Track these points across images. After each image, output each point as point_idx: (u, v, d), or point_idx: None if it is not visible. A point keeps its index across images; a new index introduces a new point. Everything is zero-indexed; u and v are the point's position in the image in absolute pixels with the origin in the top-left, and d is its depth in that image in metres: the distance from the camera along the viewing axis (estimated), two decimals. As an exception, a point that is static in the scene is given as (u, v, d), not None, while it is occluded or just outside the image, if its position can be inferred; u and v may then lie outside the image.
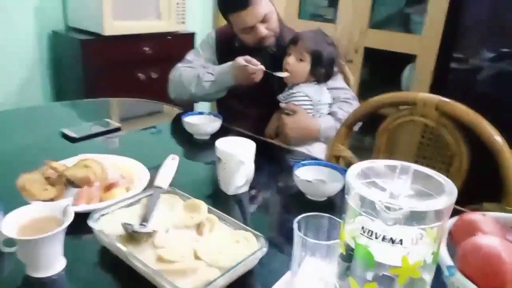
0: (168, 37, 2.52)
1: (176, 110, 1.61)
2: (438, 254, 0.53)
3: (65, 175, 0.88)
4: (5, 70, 2.33)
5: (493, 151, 1.03)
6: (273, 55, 1.48)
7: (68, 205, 0.69)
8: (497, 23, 1.77)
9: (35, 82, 2.48)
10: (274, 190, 1.07)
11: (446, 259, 0.58)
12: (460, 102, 1.13)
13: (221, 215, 0.78)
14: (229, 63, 1.43)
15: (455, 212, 0.54)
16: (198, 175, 1.13)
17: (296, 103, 1.41)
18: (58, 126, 1.29)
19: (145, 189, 0.89)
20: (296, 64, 1.39)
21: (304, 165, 0.99)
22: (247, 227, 0.73)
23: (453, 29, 1.90)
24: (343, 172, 0.95)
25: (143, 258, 0.66)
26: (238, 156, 0.92)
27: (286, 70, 1.40)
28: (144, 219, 0.76)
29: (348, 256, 0.54)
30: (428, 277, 0.51)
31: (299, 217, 0.64)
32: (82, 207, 0.80)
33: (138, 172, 0.97)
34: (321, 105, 1.43)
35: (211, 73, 1.47)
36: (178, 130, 1.36)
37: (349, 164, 1.29)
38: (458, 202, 0.50)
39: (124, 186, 0.90)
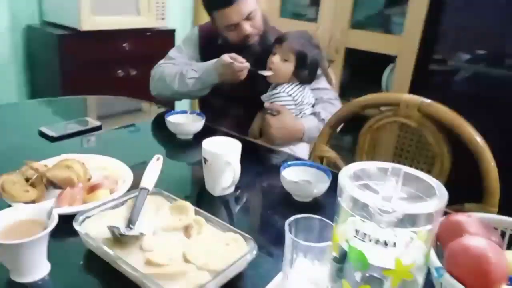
0: (148, 34, 2.48)
1: (155, 108, 1.59)
2: (429, 256, 0.54)
3: (46, 176, 0.85)
4: (-23, 66, 2.25)
5: (474, 152, 1.05)
6: (257, 54, 1.47)
7: (52, 208, 0.67)
8: (474, 25, 1.82)
9: (9, 79, 2.40)
10: (260, 190, 1.07)
11: (434, 261, 0.60)
12: (439, 102, 1.15)
13: (208, 217, 0.77)
14: (214, 60, 1.41)
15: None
16: (182, 175, 1.11)
17: (279, 103, 1.41)
18: (35, 124, 1.26)
19: (129, 190, 0.87)
20: (280, 64, 1.39)
21: (290, 165, 0.99)
22: (236, 229, 0.73)
23: (432, 31, 1.94)
24: (329, 173, 0.96)
25: (131, 261, 0.64)
26: (224, 156, 0.92)
27: (270, 69, 1.40)
28: (130, 222, 0.74)
29: (341, 258, 0.54)
30: (420, 278, 0.52)
31: (290, 219, 0.64)
32: (65, 209, 0.78)
33: (122, 173, 0.95)
34: (304, 106, 1.43)
35: (195, 70, 1.45)
36: (159, 129, 1.34)
37: (333, 164, 1.30)
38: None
39: (107, 187, 0.87)
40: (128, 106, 1.65)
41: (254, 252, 0.68)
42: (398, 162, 0.54)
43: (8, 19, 2.31)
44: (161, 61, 1.58)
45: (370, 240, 0.50)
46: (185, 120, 1.30)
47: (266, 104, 1.43)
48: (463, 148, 1.07)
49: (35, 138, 1.21)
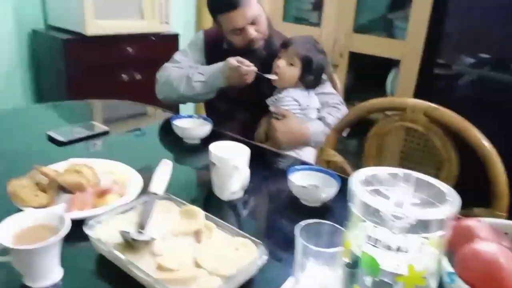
0: (152, 38, 2.49)
1: (160, 112, 1.59)
2: (441, 262, 0.54)
3: (57, 181, 0.85)
4: (-17, 71, 2.26)
5: (481, 155, 1.05)
6: (262, 58, 1.47)
7: (65, 213, 0.68)
8: (478, 29, 1.82)
9: (14, 83, 2.41)
10: (267, 195, 1.07)
11: (446, 266, 0.60)
12: (443, 106, 1.15)
13: (218, 222, 0.77)
14: (220, 64, 1.42)
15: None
16: (190, 180, 1.12)
17: (284, 107, 1.42)
18: (43, 128, 1.26)
19: (139, 195, 0.88)
20: (286, 68, 1.40)
21: (297, 170, 1.00)
22: (246, 234, 0.73)
23: (436, 35, 1.94)
24: (337, 177, 0.96)
25: (142, 266, 0.65)
26: (232, 161, 0.92)
27: (276, 73, 1.41)
28: (141, 226, 0.75)
29: (353, 264, 0.54)
30: (433, 284, 0.52)
31: (301, 224, 0.64)
32: (76, 214, 0.78)
33: (131, 178, 0.96)
34: (309, 110, 1.44)
35: (202, 74, 1.46)
36: (166, 133, 1.34)
37: (339, 169, 1.30)
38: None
39: (117, 192, 0.88)
40: (133, 110, 1.65)
41: (265, 257, 0.68)
42: (405, 167, 0.54)
43: (13, 24, 2.32)
44: (167, 64, 1.58)
45: (382, 246, 0.51)
46: (192, 125, 1.30)
47: (272, 108, 1.44)
48: (470, 152, 1.07)
49: (42, 142, 1.21)
